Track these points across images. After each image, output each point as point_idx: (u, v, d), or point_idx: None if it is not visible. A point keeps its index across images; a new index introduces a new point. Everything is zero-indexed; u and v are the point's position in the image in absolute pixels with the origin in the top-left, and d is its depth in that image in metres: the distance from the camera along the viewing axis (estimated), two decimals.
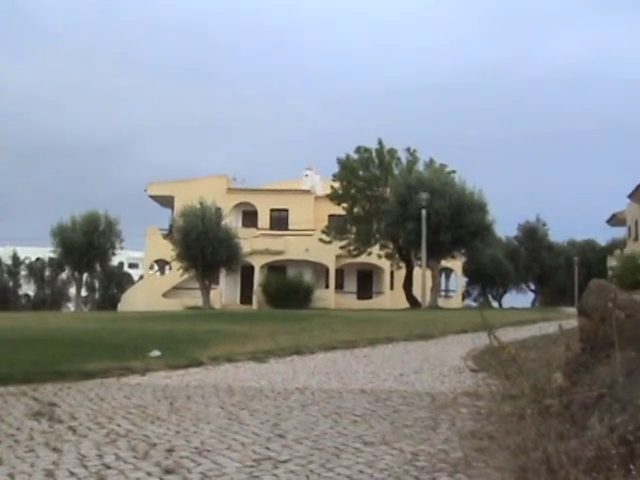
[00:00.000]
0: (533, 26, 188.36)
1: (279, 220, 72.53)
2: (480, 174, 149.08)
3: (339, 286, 68.47)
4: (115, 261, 78.81)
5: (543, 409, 7.85)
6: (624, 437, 5.56)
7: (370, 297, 68.34)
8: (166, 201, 72.06)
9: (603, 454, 5.48)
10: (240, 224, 68.26)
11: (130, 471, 6.38)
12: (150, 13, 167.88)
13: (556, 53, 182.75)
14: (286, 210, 72.29)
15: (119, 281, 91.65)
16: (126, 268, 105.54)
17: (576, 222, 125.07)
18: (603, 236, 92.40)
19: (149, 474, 6.29)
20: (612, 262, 46.25)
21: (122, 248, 66.05)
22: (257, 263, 64.74)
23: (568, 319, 14.12)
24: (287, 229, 71.07)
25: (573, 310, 17.53)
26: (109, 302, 76.84)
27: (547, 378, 8.90)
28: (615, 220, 71.71)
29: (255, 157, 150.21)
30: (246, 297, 65.25)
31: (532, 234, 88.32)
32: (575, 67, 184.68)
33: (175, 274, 60.85)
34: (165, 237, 64.21)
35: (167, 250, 55.25)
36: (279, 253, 65.95)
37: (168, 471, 6.37)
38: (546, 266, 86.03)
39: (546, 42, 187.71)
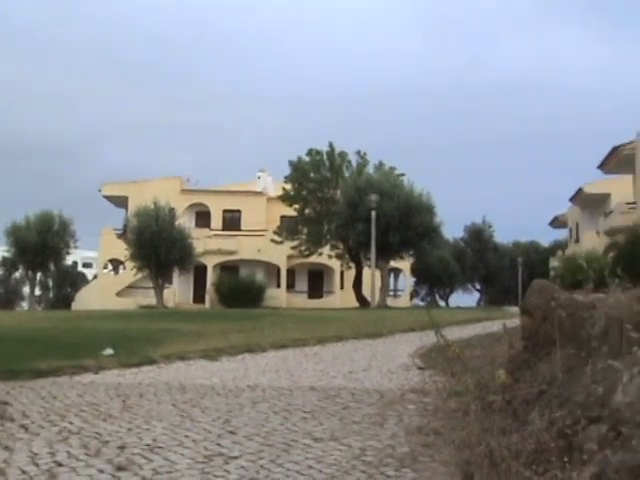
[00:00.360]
0: (480, 36, 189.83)
1: (232, 221, 72.37)
2: (428, 177, 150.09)
3: (290, 285, 68.49)
4: (69, 260, 78.15)
5: (487, 405, 7.95)
6: (562, 431, 5.65)
7: (321, 296, 68.42)
8: (120, 201, 71.55)
9: (542, 447, 5.57)
10: (193, 224, 67.94)
11: (82, 468, 6.35)
12: (105, 14, 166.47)
13: (501, 62, 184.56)
14: (239, 211, 72.17)
15: (73, 280, 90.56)
16: (80, 267, 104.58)
17: (520, 224, 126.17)
18: (546, 238, 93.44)
19: (101, 471, 6.26)
20: (554, 263, 46.83)
21: (76, 247, 65.30)
22: (210, 263, 64.50)
23: (512, 318, 14.26)
24: (239, 230, 70.92)
25: (517, 309, 17.68)
26: (63, 301, 75.98)
27: (491, 375, 9.01)
28: (557, 222, 72.59)
29: (209, 159, 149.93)
30: (199, 296, 64.97)
31: (478, 236, 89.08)
32: (519, 75, 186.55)
33: (129, 273, 60.42)
34: (119, 237, 63.69)
35: (121, 250, 54.74)
36: (231, 253, 65.77)
37: (120, 468, 6.34)
38: (491, 266, 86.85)
39: (492, 51, 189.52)
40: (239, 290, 58.04)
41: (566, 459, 5.26)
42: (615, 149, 44.85)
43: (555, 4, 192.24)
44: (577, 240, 58.43)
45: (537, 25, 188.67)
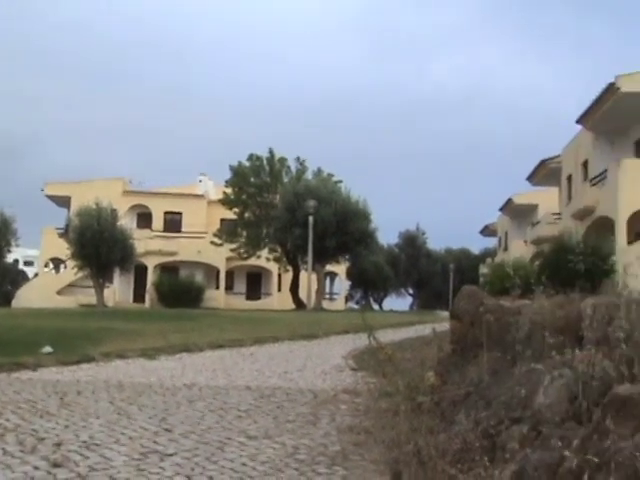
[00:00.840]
0: (419, 50, 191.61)
1: (173, 223, 71.98)
2: (365, 185, 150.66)
3: (229, 287, 68.28)
4: (10, 258, 76.87)
5: (416, 406, 8.02)
6: (487, 431, 5.74)
7: (258, 298, 68.30)
8: (63, 201, 70.64)
9: (468, 447, 5.65)
10: (135, 225, 67.36)
11: (17, 465, 6.26)
12: (52, 12, 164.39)
13: (438, 76, 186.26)
14: (180, 213, 71.81)
15: (14, 278, 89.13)
16: (21, 265, 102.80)
17: (452, 232, 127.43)
18: (477, 245, 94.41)
19: (36, 468, 6.18)
20: (484, 270, 47.22)
21: (17, 246, 64.21)
22: (150, 263, 64.01)
23: (442, 322, 14.43)
24: (180, 231, 70.57)
25: (447, 313, 17.90)
26: (3, 299, 74.58)
27: (420, 377, 9.10)
28: (487, 231, 73.42)
29: (152, 161, 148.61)
30: (139, 296, 64.39)
31: (412, 242, 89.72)
32: (455, 89, 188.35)
33: (70, 272, 59.70)
34: (61, 236, 62.76)
35: (62, 249, 54.09)
36: (172, 254, 65.34)
37: (56, 465, 6.27)
38: (424, 272, 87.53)
39: (429, 66, 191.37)
40: (179, 290, 57.65)
41: (490, 458, 5.34)
42: (542, 162, 45.67)
43: (491, 22, 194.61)
44: (506, 248, 59.12)
45: (473, 42, 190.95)
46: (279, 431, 7.98)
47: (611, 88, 31.36)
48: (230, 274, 68.03)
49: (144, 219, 71.65)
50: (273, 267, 64.70)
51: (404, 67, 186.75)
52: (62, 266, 69.77)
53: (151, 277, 63.83)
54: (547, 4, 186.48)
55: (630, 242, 28.73)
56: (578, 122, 36.52)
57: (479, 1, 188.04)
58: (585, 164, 38.75)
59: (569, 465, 4.53)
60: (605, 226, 30.72)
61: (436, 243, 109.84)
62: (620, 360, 5.59)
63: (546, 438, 5.06)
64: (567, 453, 4.63)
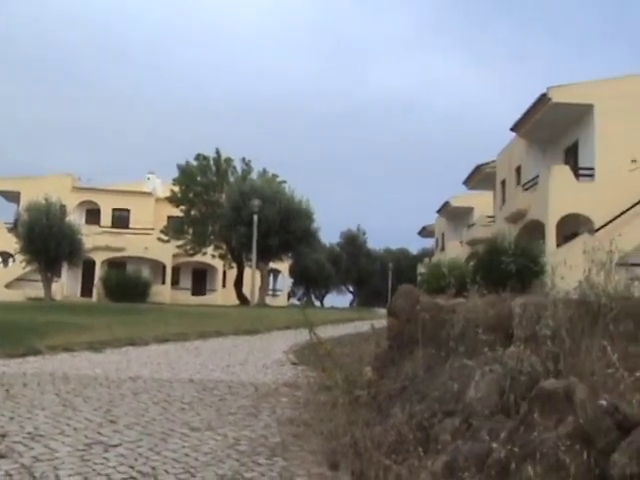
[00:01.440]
0: (362, 57, 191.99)
1: (121, 219, 71.26)
2: (308, 186, 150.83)
3: (175, 282, 67.79)
4: None
5: (354, 399, 8.07)
6: (421, 424, 5.81)
7: (204, 294, 67.94)
8: (12, 196, 69.52)
9: (402, 438, 5.71)
10: (84, 221, 66.56)
11: None
12: (4, 9, 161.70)
13: (383, 82, 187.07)
14: (128, 210, 71.12)
15: None
16: None
17: (392, 232, 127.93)
18: (415, 246, 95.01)
19: None
20: (421, 269, 47.55)
21: None
22: (98, 259, 63.28)
23: (380, 319, 14.48)
24: (128, 228, 69.91)
25: (385, 311, 18.00)
26: None
27: (358, 371, 9.15)
28: (425, 232, 73.91)
29: (101, 159, 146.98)
30: (87, 290, 63.63)
31: (352, 241, 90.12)
32: (398, 96, 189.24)
33: (18, 266, 58.76)
34: (10, 231, 61.68)
35: (11, 243, 53.29)
36: (120, 250, 64.68)
37: (0, 456, 6.21)
38: (364, 270, 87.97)
39: (372, 72, 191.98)
40: (126, 285, 57.13)
41: (423, 449, 5.40)
42: (478, 167, 46.13)
43: (433, 33, 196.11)
44: (443, 249, 59.55)
45: (414, 50, 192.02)
46: (221, 423, 7.97)
47: (543, 99, 31.69)
48: (176, 270, 67.57)
49: (93, 215, 70.82)
50: (218, 264, 64.44)
51: (350, 74, 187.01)
52: (10, 260, 68.69)
53: (99, 272, 63.11)
54: (486, 18, 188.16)
55: (559, 245, 29.14)
56: (512, 130, 36.82)
57: (421, 13, 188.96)
58: (518, 170, 39.19)
59: (497, 456, 4.61)
60: (536, 229, 31.09)
61: (376, 243, 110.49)
62: (547, 356, 5.70)
63: (476, 430, 5.14)
64: (495, 444, 4.71)
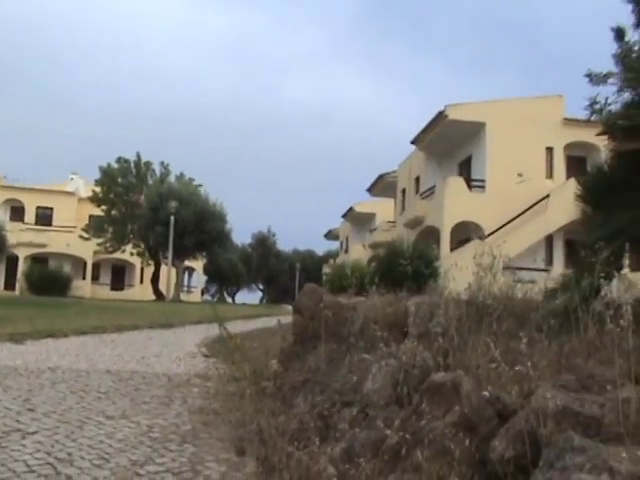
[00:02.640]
0: (279, 69, 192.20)
1: (44, 217, 69.78)
2: (223, 190, 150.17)
3: (95, 278, 66.71)
4: None
5: (260, 390, 8.09)
6: (321, 413, 5.85)
7: (122, 289, 66.99)
8: None
9: (304, 427, 5.75)
10: (8, 218, 65.04)
11: None
12: None
13: (295, 96, 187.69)
14: (51, 208, 69.69)
15: None
16: None
17: (300, 235, 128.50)
18: (321, 248, 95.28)
19: None
20: (326, 269, 47.74)
21: None
22: (22, 254, 61.80)
23: (287, 315, 14.52)
24: (51, 225, 68.50)
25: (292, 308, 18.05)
26: None
27: (265, 364, 9.19)
28: (331, 235, 74.23)
29: (26, 159, 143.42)
30: (10, 284, 62.09)
31: (263, 242, 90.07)
32: (309, 109, 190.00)
33: None
34: None
35: None
36: (42, 246, 63.28)
37: None
38: (273, 270, 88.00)
39: (289, 85, 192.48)
40: (48, 280, 55.85)
41: (323, 437, 5.45)
42: (381, 176, 46.64)
43: (343, 49, 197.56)
44: (347, 251, 59.89)
45: (326, 66, 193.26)
46: (135, 411, 7.89)
47: (440, 115, 32.26)
48: (96, 266, 66.47)
49: (17, 212, 69.18)
50: (136, 261, 63.66)
51: (264, 86, 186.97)
52: None
53: (22, 267, 61.66)
54: (390, 38, 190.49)
55: (452, 249, 29.65)
56: (413, 143, 37.35)
57: (335, 32, 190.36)
58: (417, 180, 39.74)
59: (390, 442, 4.68)
60: (432, 234, 31.52)
61: (285, 244, 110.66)
62: (437, 352, 5.81)
63: (372, 419, 5.21)
64: (389, 432, 4.78)
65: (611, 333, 4.61)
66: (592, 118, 8.62)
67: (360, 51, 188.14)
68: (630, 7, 8.38)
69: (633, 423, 3.80)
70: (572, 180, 26.46)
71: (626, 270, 8.70)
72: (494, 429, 4.19)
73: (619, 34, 8.31)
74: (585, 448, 3.37)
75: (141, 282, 67.36)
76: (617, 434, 3.74)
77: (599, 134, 7.86)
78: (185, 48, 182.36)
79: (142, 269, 66.36)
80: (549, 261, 28.79)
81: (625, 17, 8.26)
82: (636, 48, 8.23)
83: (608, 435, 3.75)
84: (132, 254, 59.51)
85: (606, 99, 8.00)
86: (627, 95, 7.53)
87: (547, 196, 30.51)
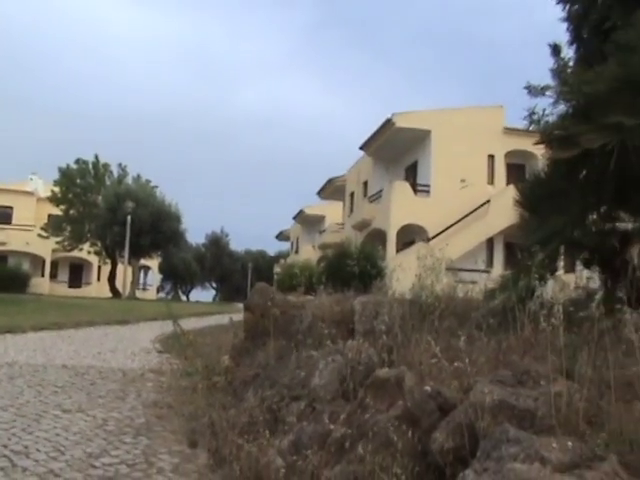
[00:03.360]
0: (233, 78, 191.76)
1: (4, 216, 68.55)
2: (179, 191, 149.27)
3: (53, 276, 65.87)
4: None
5: (212, 384, 8.05)
6: (270, 407, 5.84)
7: (80, 286, 66.26)
8: None
9: (254, 420, 5.73)
10: None
11: None
12: None
13: (249, 100, 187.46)
14: (11, 207, 68.53)
15: None
16: None
17: (252, 235, 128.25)
18: (273, 248, 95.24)
19: None
20: (277, 269, 47.75)
21: None
22: None
23: (239, 313, 14.48)
24: (10, 224, 67.42)
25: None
26: None
27: (217, 360, 9.14)
28: (282, 236, 74.22)
29: None
30: None
31: (217, 243, 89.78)
32: (262, 113, 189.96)
33: None
34: None
35: None
36: (2, 244, 62.25)
37: None
38: (226, 269, 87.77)
39: (242, 91, 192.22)
40: (7, 277, 54.88)
41: (272, 430, 5.44)
42: (330, 180, 46.75)
43: (296, 57, 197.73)
44: (297, 251, 59.91)
45: (282, 72, 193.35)
46: (91, 405, 7.79)
47: (388, 123, 32.48)
48: (55, 264, 65.62)
49: None
50: (94, 259, 63.06)
51: (219, 92, 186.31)
52: None
53: None
54: (345, 48, 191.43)
55: (398, 251, 29.84)
56: (361, 148, 37.53)
57: (288, 39, 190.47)
58: (365, 184, 39.90)
59: (336, 435, 4.69)
60: (379, 236, 31.71)
61: (238, 244, 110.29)
62: (382, 348, 5.84)
63: (319, 413, 5.21)
64: (335, 426, 4.79)
65: (545, 331, 4.67)
66: (530, 128, 8.77)
67: (314, 59, 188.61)
68: (565, 25, 8.55)
69: (564, 415, 3.87)
70: (511, 186, 26.82)
71: (561, 272, 8.85)
72: (435, 422, 4.22)
73: (555, 50, 8.46)
74: (519, 439, 3.42)
75: (98, 280, 66.72)
76: (549, 426, 3.80)
77: (536, 143, 7.97)
78: (143, 53, 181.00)
79: (99, 267, 65.78)
80: (490, 263, 29.06)
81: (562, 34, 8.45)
82: (571, 64, 8.39)
83: (541, 427, 3.81)
84: (90, 253, 59.08)
85: (544, 110, 8.13)
86: (562, 107, 7.65)
87: (488, 201, 30.87)
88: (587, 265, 8.15)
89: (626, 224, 7.97)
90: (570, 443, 3.36)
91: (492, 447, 3.49)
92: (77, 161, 58.44)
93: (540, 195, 7.95)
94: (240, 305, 37.44)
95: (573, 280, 8.32)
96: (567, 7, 8.52)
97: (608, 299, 6.68)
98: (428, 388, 4.43)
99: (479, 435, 3.80)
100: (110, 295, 53.45)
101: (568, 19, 8.50)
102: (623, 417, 3.79)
